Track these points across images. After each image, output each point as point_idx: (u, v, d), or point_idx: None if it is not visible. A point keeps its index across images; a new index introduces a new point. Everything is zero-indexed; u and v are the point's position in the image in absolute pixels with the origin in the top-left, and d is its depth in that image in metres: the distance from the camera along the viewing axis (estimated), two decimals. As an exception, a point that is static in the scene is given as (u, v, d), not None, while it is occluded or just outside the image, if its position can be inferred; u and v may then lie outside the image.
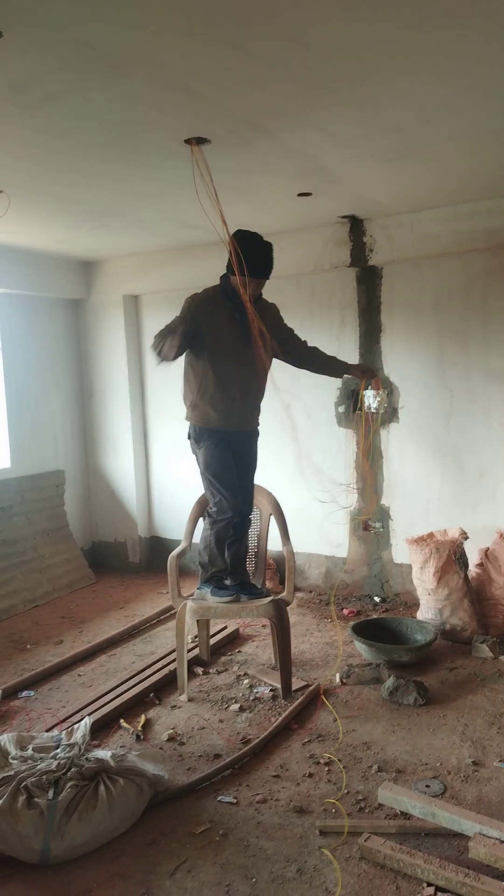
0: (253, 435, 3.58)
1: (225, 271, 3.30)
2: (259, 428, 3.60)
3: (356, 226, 4.53)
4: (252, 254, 3.20)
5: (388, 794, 2.52)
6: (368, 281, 4.67)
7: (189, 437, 3.49)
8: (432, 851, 2.30)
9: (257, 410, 3.54)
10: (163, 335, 3.26)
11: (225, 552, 3.48)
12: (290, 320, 3.71)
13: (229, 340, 3.30)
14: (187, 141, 2.85)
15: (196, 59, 2.18)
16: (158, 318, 5.46)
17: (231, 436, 3.40)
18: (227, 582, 3.54)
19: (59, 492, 5.60)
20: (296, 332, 3.66)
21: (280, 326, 3.58)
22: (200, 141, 2.85)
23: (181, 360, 3.37)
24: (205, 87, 2.38)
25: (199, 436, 3.41)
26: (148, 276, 5.41)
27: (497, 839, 2.23)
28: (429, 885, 2.16)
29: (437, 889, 2.14)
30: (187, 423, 3.48)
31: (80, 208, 3.88)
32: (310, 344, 3.72)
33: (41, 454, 5.55)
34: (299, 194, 3.78)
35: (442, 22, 2.03)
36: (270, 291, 3.43)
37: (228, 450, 3.40)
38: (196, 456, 3.49)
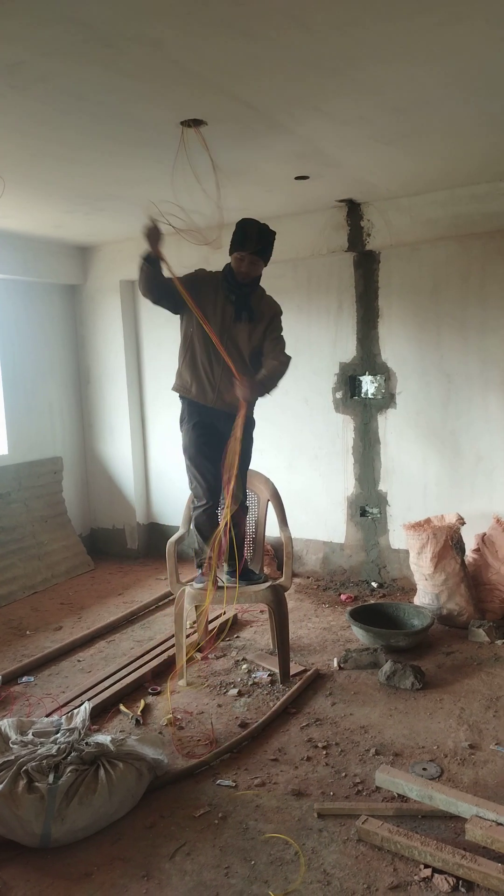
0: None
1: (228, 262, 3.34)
2: (253, 417, 3.57)
3: (354, 210, 4.50)
4: (244, 228, 3.27)
5: (386, 777, 2.54)
6: (366, 265, 4.64)
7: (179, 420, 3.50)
8: (429, 833, 2.33)
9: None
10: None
11: (208, 540, 3.49)
12: (287, 305, 3.69)
13: (220, 318, 3.30)
14: (184, 123, 2.81)
15: (193, 40, 2.15)
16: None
17: (214, 418, 3.39)
18: (226, 568, 3.56)
19: (57, 478, 5.60)
20: (283, 346, 3.44)
21: (274, 325, 3.46)
22: (197, 123, 2.81)
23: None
24: (201, 68, 2.35)
25: (182, 416, 3.44)
26: (144, 261, 5.36)
27: (493, 821, 2.25)
28: (426, 866, 2.18)
29: (434, 870, 2.16)
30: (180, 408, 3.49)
31: (76, 192, 3.85)
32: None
33: (39, 441, 5.54)
34: (297, 177, 3.74)
35: (441, 1, 2.00)
36: (268, 276, 3.41)
37: (210, 434, 3.39)
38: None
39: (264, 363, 3.40)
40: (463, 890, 2.10)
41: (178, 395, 3.50)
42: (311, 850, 2.30)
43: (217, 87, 2.50)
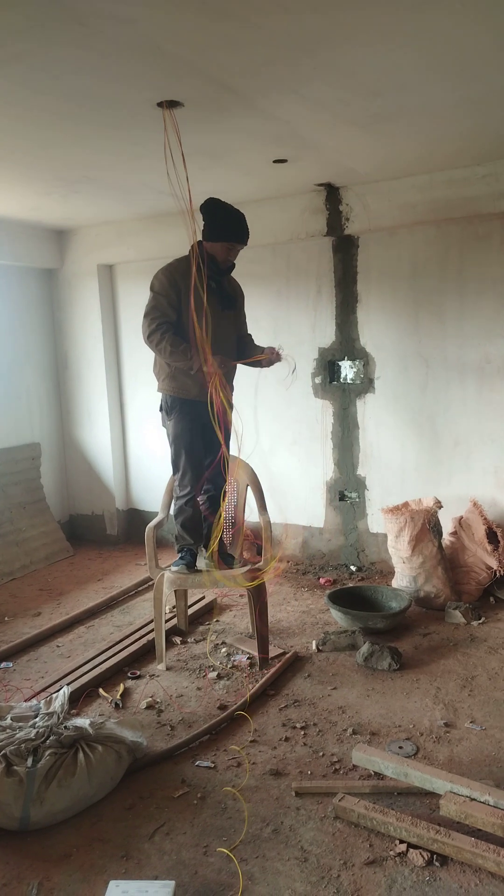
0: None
1: (199, 239, 3.26)
2: (232, 401, 3.57)
3: (332, 194, 4.49)
4: (230, 218, 3.23)
5: (362, 756, 2.58)
6: (345, 250, 4.64)
7: (161, 409, 3.47)
8: (405, 810, 2.37)
9: (231, 381, 3.50)
10: (175, 347, 3.21)
11: (190, 526, 3.50)
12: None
13: (210, 309, 3.26)
14: (160, 104, 2.78)
15: (169, 20, 2.13)
16: (133, 287, 5.42)
17: (204, 407, 3.37)
18: (206, 553, 3.57)
19: (35, 465, 5.56)
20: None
21: (242, 304, 3.57)
22: (173, 104, 2.78)
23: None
24: (178, 49, 2.32)
25: (172, 407, 3.39)
26: (122, 245, 5.32)
27: (467, 797, 2.29)
28: (401, 841, 2.22)
29: (409, 845, 2.20)
30: (159, 395, 3.45)
31: (51, 174, 3.79)
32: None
33: (16, 427, 5.49)
34: (275, 161, 3.72)
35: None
36: (246, 261, 3.40)
37: (199, 422, 3.38)
38: (166, 428, 3.48)
39: (250, 342, 3.57)
40: (437, 864, 2.14)
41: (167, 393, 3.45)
42: (289, 827, 2.33)
43: (193, 68, 2.48)
